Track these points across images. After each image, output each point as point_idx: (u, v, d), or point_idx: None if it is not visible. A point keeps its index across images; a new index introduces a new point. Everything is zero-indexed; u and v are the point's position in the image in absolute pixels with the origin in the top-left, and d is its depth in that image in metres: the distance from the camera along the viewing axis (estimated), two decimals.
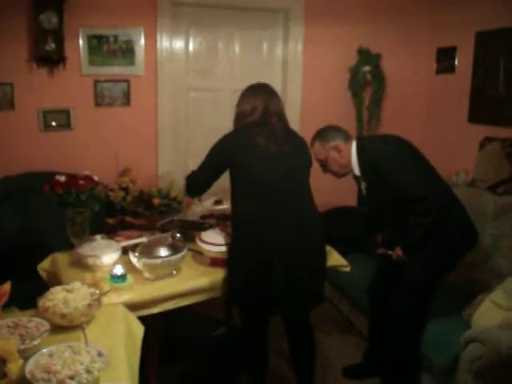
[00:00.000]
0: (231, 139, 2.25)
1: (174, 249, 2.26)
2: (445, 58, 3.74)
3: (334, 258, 2.68)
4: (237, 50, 3.71)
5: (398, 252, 2.52)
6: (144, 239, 2.30)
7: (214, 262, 2.39)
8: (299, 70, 3.71)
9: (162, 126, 3.52)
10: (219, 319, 3.16)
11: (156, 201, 3.02)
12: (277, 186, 2.18)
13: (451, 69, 3.68)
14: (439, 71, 3.82)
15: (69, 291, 1.80)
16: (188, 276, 2.31)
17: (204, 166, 2.34)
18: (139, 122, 3.49)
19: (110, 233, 2.65)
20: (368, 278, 2.87)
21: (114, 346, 1.64)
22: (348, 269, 2.70)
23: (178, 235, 2.37)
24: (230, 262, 2.28)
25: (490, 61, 3.31)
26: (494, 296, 2.50)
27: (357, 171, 2.49)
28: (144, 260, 2.18)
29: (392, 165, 2.34)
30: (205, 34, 3.62)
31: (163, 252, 2.23)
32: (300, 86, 3.72)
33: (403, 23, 3.83)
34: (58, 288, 1.85)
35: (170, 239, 2.34)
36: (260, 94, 2.30)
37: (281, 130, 2.25)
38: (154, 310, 2.14)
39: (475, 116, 3.48)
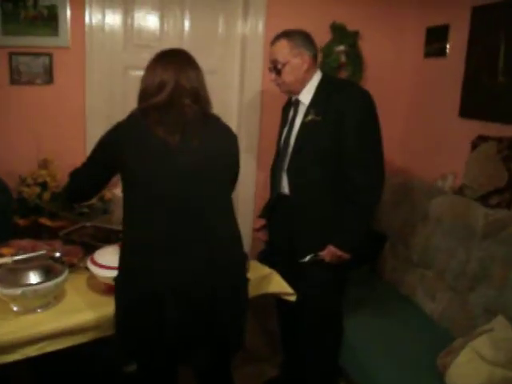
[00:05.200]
0: (120, 130, 1.67)
1: (48, 273, 1.70)
2: (435, 39, 3.14)
3: (276, 284, 2.13)
4: (187, 23, 3.12)
5: (331, 251, 2.09)
6: (7, 259, 1.72)
7: (111, 290, 1.80)
8: (260, 50, 3.11)
9: (91, 109, 2.93)
10: None
11: None
12: (174, 197, 1.61)
13: (442, 52, 3.08)
14: (428, 54, 3.22)
15: None
16: (70, 308, 1.77)
17: (87, 165, 1.78)
18: (64, 103, 2.90)
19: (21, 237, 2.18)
20: None
21: None
22: (293, 298, 2.15)
23: (58, 254, 1.80)
24: (115, 295, 1.70)
25: (488, 43, 2.71)
26: (478, 344, 1.94)
27: (305, 99, 2.17)
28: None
29: (365, 123, 2.10)
30: (148, 3, 3.03)
31: (32, 278, 1.68)
32: (261, 67, 3.11)
33: None
34: None
35: (47, 259, 1.77)
36: (172, 64, 1.69)
37: (194, 117, 1.66)
38: (10, 358, 1.58)
39: (468, 110, 2.89)
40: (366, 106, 2.13)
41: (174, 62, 1.71)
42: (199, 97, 1.70)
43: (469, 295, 2.38)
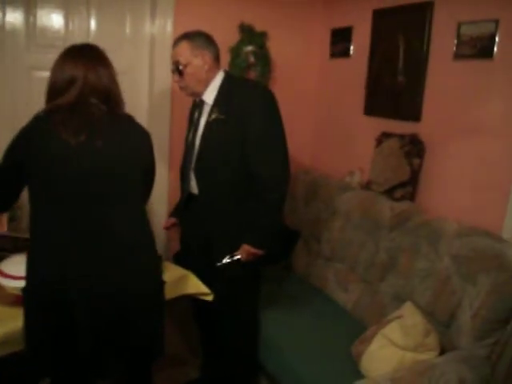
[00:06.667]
0: (24, 134, 1.58)
1: None
2: (340, 40, 3.25)
3: (192, 285, 2.10)
4: (93, 23, 2.99)
5: (245, 249, 2.12)
6: None
7: (19, 301, 1.68)
8: (169, 50, 2.98)
9: None
10: None
11: None
12: (78, 201, 1.55)
13: (346, 53, 3.19)
14: (333, 55, 3.33)
15: None
16: None
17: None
18: None
19: None
20: None
21: None
22: (210, 298, 2.12)
23: None
24: (24, 306, 1.60)
25: (389, 45, 2.85)
26: (389, 331, 2.02)
27: (209, 99, 2.18)
28: None
29: (267, 121, 2.11)
30: (52, 1, 2.86)
31: None
32: (170, 67, 3.04)
33: None
34: None
35: None
36: (82, 60, 1.62)
37: (101, 117, 1.59)
38: None
39: (372, 108, 3.02)
40: (268, 104, 2.14)
41: (84, 57, 1.64)
42: (109, 96, 1.64)
43: (379, 285, 2.49)
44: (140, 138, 1.72)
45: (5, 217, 2.21)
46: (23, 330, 1.59)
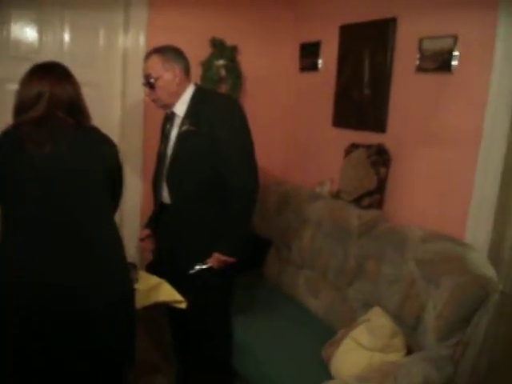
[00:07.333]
0: None
1: None
2: (308, 54, 3.35)
3: (166, 293, 2.13)
4: (67, 36, 3.04)
5: (218, 258, 2.18)
6: None
7: None
8: (141, 63, 3.00)
9: None
10: None
11: None
12: (41, 211, 1.62)
13: (315, 66, 3.30)
14: (303, 69, 3.43)
15: None
16: None
17: None
18: None
19: None
20: None
21: None
22: (184, 305, 2.16)
23: None
24: None
25: (355, 58, 2.96)
26: (357, 333, 2.09)
27: (180, 111, 2.24)
28: None
29: (235, 131, 2.18)
30: (26, 14, 2.91)
31: None
32: (142, 80, 3.09)
33: (263, 13, 3.38)
34: None
35: None
36: (47, 76, 1.69)
37: (66, 129, 1.67)
38: None
39: (340, 120, 3.11)
40: (235, 115, 2.21)
41: (49, 74, 1.72)
42: (74, 109, 1.71)
43: (348, 291, 2.56)
44: (105, 148, 1.78)
45: None
46: None
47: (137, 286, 2.03)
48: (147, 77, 2.23)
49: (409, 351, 2.08)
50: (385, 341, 2.01)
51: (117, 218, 1.90)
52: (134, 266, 2.15)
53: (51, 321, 1.59)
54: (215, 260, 2.19)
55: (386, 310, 2.20)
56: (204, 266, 2.18)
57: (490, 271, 2.05)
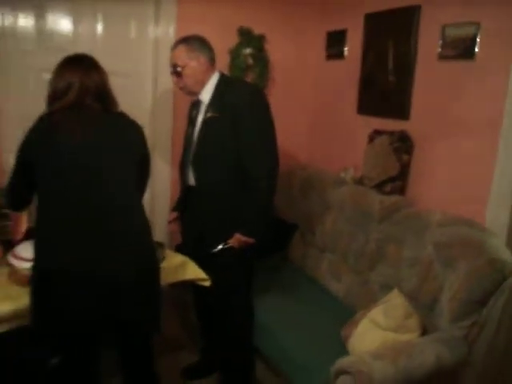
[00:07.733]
0: (30, 133, 1.78)
1: None
2: (334, 43, 3.39)
3: (191, 271, 2.25)
4: (100, 27, 3.15)
5: (238, 238, 2.27)
6: None
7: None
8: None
9: (3, 111, 2.91)
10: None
11: None
12: (75, 192, 1.74)
13: (341, 54, 3.34)
14: (329, 57, 3.47)
15: None
16: None
17: (15, 172, 1.86)
18: None
19: None
20: None
21: None
22: (208, 283, 2.27)
23: None
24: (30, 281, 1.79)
25: (379, 46, 2.99)
26: (374, 314, 2.16)
27: (205, 98, 2.35)
28: None
29: (256, 117, 2.25)
30: (60, 6, 3.03)
31: None
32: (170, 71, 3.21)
33: (290, 2, 3.42)
34: None
35: None
36: (78, 67, 1.83)
37: (95, 114, 1.80)
38: None
39: (364, 107, 3.16)
40: (257, 102, 2.29)
41: (79, 65, 1.85)
42: (102, 96, 1.84)
43: (369, 274, 2.62)
44: (133, 132, 1.91)
45: (25, 215, 2.37)
46: (30, 306, 1.77)
47: (163, 263, 2.15)
48: (174, 66, 2.34)
49: (425, 332, 2.13)
50: (399, 321, 2.07)
51: (148, 201, 2.01)
52: (161, 245, 2.28)
53: (96, 295, 1.73)
54: (236, 240, 2.29)
55: (404, 291, 2.26)
56: (226, 246, 2.28)
57: (507, 255, 2.08)
